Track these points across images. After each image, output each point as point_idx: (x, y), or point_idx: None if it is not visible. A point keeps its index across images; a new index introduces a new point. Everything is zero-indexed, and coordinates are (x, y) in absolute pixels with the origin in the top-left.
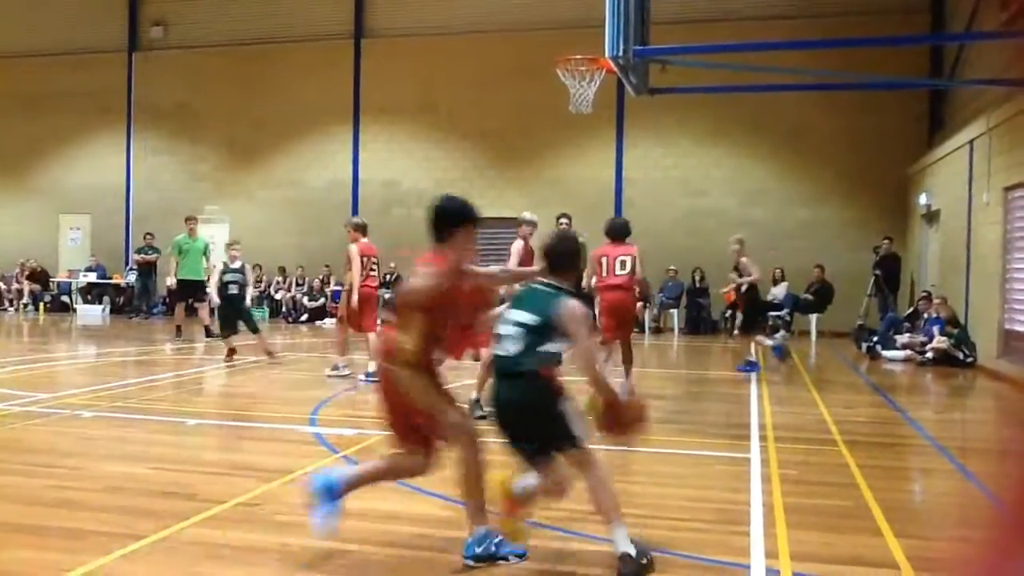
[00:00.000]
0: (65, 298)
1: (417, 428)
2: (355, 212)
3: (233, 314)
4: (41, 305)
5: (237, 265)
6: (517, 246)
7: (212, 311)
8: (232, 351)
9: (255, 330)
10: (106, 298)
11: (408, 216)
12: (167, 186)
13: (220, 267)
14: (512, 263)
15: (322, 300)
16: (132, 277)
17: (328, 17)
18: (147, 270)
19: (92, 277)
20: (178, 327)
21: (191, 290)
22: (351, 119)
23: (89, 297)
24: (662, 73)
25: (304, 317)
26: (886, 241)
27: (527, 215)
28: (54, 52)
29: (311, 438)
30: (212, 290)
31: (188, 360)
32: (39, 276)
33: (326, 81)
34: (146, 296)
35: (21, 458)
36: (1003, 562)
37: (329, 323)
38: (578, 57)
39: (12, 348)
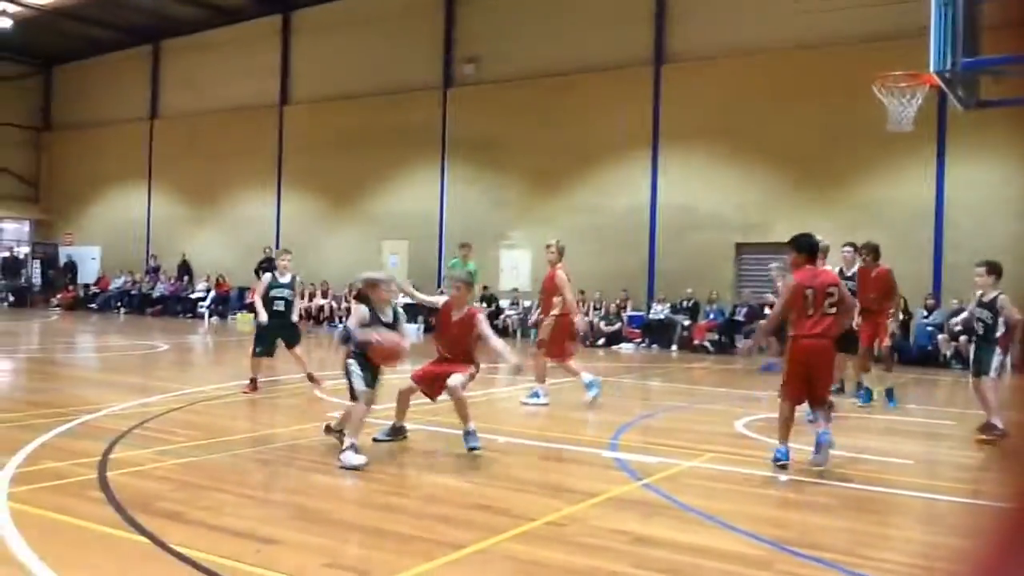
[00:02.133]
0: None
1: None
2: (652, 237)
3: (274, 333)
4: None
5: (286, 279)
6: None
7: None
8: (254, 381)
9: (291, 345)
10: (420, 317)
11: (702, 240)
12: (475, 213)
13: (267, 280)
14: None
15: (619, 324)
16: (444, 298)
17: (628, 45)
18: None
19: (407, 300)
20: None
21: None
22: (650, 144)
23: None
24: (996, 84)
25: (601, 341)
26: None
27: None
28: (378, 92)
29: (613, 463)
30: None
31: (495, 379)
32: (361, 297)
33: (626, 107)
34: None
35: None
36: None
37: (626, 347)
38: (900, 73)
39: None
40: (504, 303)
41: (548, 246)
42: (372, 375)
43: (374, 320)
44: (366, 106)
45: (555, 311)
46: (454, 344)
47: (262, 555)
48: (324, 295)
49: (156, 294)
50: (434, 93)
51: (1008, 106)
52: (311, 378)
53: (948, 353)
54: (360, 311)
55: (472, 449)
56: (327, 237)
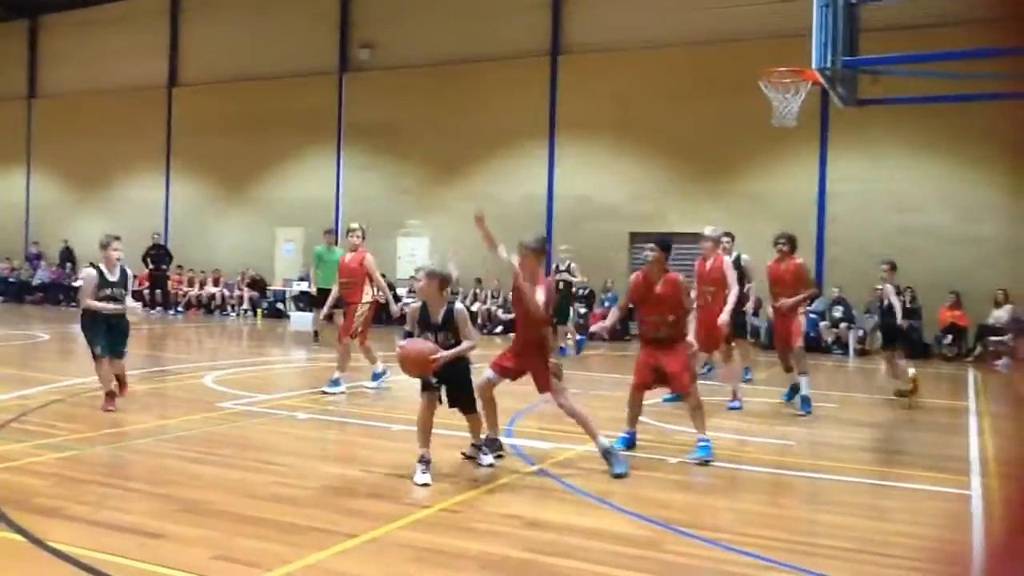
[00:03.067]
0: (280, 305)
1: None
2: (549, 226)
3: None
4: (259, 311)
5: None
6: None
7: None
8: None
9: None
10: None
11: (597, 230)
12: (373, 200)
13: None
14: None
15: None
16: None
17: (525, 35)
18: None
19: (304, 286)
20: (315, 332)
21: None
22: (547, 134)
23: (301, 304)
24: (873, 84)
25: (499, 329)
26: None
27: (707, 230)
28: (272, 76)
29: (508, 449)
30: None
31: (392, 368)
32: (257, 284)
33: (523, 97)
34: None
35: (245, 455)
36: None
37: None
38: (783, 69)
39: (234, 351)
40: (401, 291)
41: (352, 230)
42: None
43: (423, 320)
44: (259, 89)
45: (368, 297)
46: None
47: (148, 549)
48: (216, 283)
49: (36, 282)
50: (330, 78)
51: (886, 104)
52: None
53: (829, 340)
54: (411, 311)
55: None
56: (219, 223)
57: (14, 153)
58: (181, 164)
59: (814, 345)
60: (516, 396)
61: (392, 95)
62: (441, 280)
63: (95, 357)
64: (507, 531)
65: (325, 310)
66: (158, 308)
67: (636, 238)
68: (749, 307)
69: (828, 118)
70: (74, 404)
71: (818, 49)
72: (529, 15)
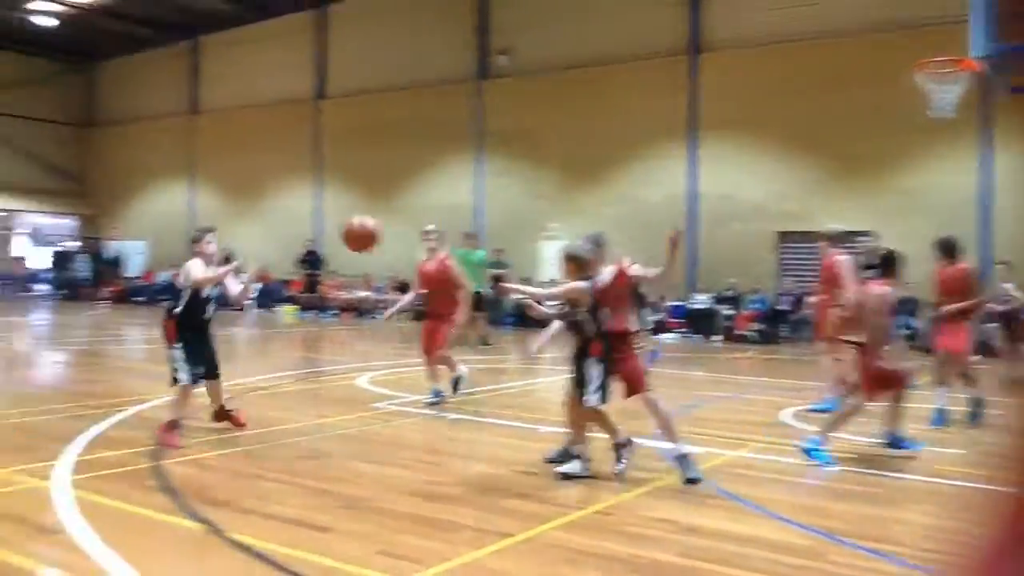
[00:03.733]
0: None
1: None
2: (692, 226)
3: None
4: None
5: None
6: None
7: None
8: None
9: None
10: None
11: (744, 230)
12: (511, 205)
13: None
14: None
15: (660, 315)
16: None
17: (663, 34)
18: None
19: None
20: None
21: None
22: (687, 134)
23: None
24: None
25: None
26: None
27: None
28: (413, 85)
29: (659, 454)
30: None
31: (534, 370)
32: (404, 288)
33: (662, 97)
34: (495, 308)
35: (401, 453)
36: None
37: (668, 337)
38: (940, 59)
39: (387, 353)
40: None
41: (428, 232)
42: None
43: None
44: (401, 99)
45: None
46: None
47: (318, 542)
48: (366, 287)
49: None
50: (469, 84)
51: None
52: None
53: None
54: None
55: None
56: None
57: (178, 166)
58: (329, 173)
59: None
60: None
61: (529, 100)
62: (577, 261)
63: (187, 382)
64: (661, 535)
65: (393, 309)
66: (312, 311)
67: (784, 238)
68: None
69: (989, 107)
70: (241, 402)
71: (976, 36)
72: (667, 14)
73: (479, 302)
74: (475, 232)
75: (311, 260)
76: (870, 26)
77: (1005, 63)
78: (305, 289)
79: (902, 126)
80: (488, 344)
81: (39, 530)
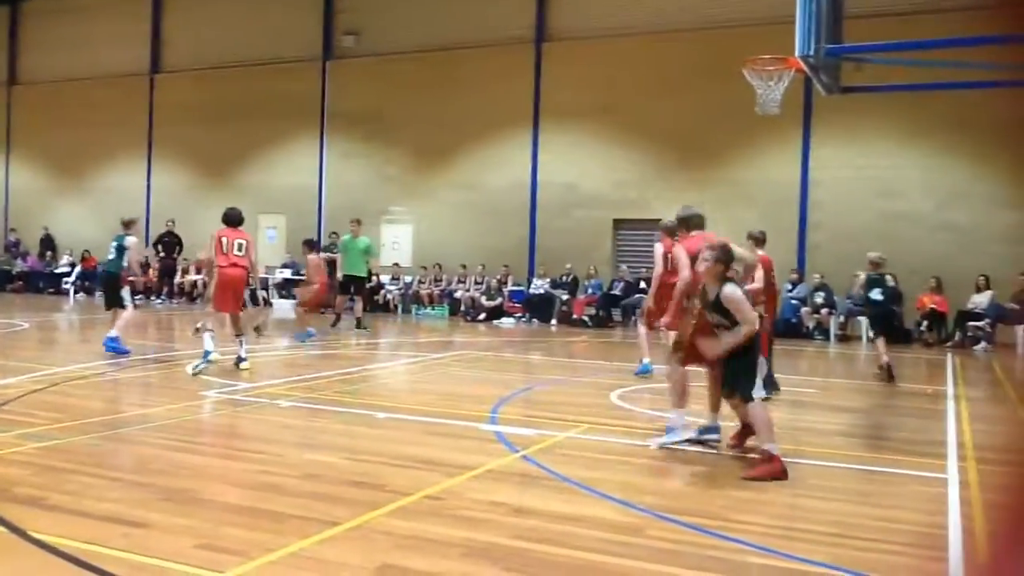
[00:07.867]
0: (262, 293)
1: None
2: (534, 214)
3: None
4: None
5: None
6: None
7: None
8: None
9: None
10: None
11: (584, 217)
12: (356, 188)
13: None
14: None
15: (499, 300)
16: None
17: (510, 22)
18: (332, 268)
19: (287, 273)
20: (337, 315)
21: (351, 285)
22: (531, 122)
23: (283, 292)
24: (856, 71)
25: (482, 316)
26: None
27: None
28: (255, 63)
29: (492, 436)
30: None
31: (374, 355)
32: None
33: (508, 84)
34: (332, 292)
35: (229, 443)
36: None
37: (507, 322)
38: (766, 57)
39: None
40: (385, 278)
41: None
42: None
43: (703, 297)
44: (242, 76)
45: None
46: None
47: (132, 539)
48: (198, 271)
49: (16, 270)
50: (314, 64)
51: (870, 92)
52: None
53: (811, 325)
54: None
55: None
56: (200, 210)
57: None
58: (162, 151)
59: (795, 331)
60: (496, 384)
61: (377, 82)
62: (725, 263)
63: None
64: (493, 518)
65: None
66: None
67: (620, 225)
68: None
69: (812, 106)
70: (55, 393)
71: (802, 37)
72: (514, 1)
73: (360, 287)
74: (359, 218)
75: (167, 243)
76: (707, 23)
77: (833, 63)
78: (160, 274)
79: (734, 120)
80: (364, 328)
81: None
